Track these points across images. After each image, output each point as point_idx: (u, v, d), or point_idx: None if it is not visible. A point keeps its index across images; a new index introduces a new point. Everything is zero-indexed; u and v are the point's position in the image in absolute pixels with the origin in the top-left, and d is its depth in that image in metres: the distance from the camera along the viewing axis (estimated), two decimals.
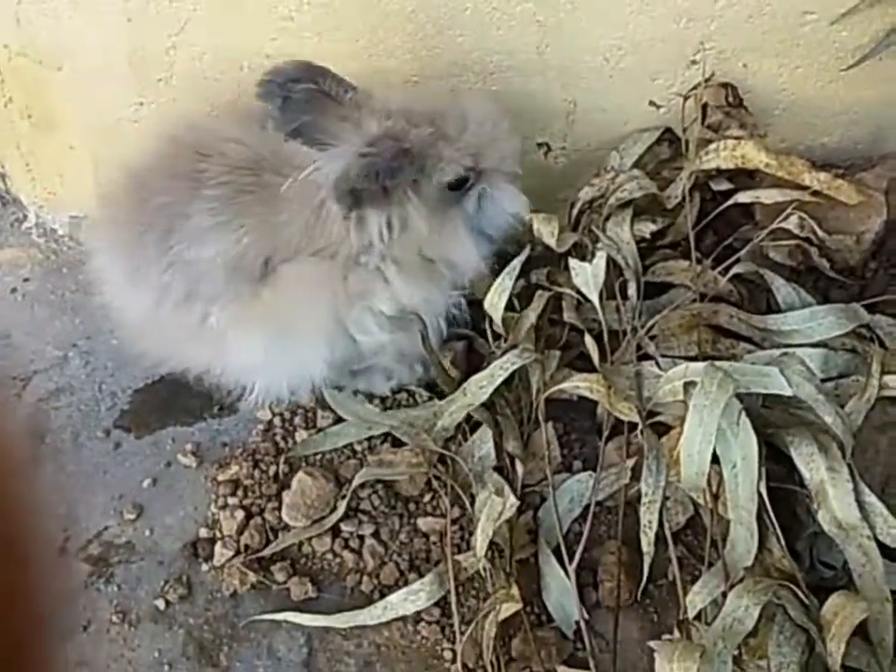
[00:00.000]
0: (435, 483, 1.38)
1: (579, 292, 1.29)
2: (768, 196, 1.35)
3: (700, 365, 1.14)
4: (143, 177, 1.29)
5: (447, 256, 1.26)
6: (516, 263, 1.27)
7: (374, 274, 1.25)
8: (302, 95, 1.21)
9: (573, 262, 1.27)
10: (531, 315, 1.31)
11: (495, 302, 1.28)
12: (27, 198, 1.66)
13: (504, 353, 1.31)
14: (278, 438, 1.44)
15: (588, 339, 1.23)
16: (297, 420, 1.46)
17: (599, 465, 1.30)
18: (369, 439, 1.43)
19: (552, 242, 1.26)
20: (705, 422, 1.04)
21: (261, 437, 1.44)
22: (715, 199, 1.45)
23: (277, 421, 1.46)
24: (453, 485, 1.31)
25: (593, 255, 1.29)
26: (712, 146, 1.37)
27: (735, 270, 1.31)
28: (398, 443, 1.41)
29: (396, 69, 1.37)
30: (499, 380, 1.29)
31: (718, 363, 1.13)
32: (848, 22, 1.32)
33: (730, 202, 1.37)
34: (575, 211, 1.38)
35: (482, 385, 1.30)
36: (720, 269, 1.36)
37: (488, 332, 1.37)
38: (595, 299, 1.27)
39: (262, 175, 1.24)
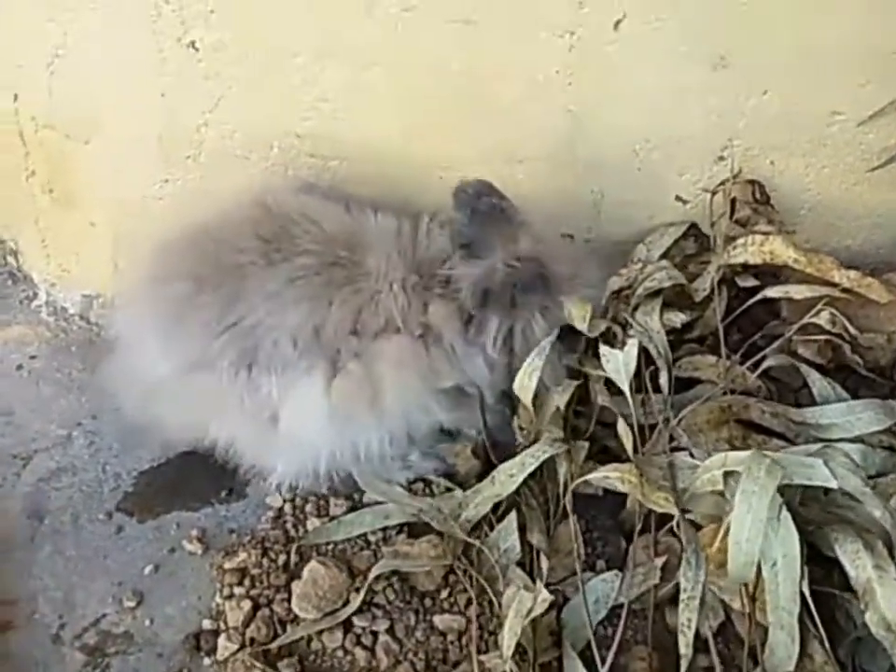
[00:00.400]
0: (454, 577, 1.32)
1: (608, 380, 1.27)
2: (798, 291, 1.34)
3: (742, 453, 1.10)
4: (218, 233, 1.28)
5: None
6: (546, 344, 1.24)
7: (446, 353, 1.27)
8: (487, 210, 1.29)
9: (604, 349, 1.25)
10: (559, 402, 1.27)
11: (525, 384, 1.24)
12: (39, 275, 1.63)
13: (532, 441, 1.28)
14: (289, 525, 1.37)
15: (621, 425, 1.19)
16: (308, 507, 1.39)
17: (629, 562, 1.25)
18: (384, 529, 1.37)
19: (583, 326, 1.23)
20: (754, 508, 1.00)
21: (271, 524, 1.38)
22: (739, 296, 1.44)
23: (288, 508, 1.39)
24: (477, 578, 1.24)
25: (623, 342, 1.27)
26: (740, 240, 1.36)
27: (766, 363, 1.29)
28: (414, 534, 1.36)
29: (426, 155, 1.38)
30: (530, 469, 1.25)
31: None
32: (875, 124, 1.34)
33: (758, 296, 1.36)
34: (602, 300, 1.36)
35: (511, 474, 1.26)
36: (748, 364, 1.34)
37: (514, 422, 1.35)
38: (625, 387, 1.24)
39: (354, 252, 1.26)
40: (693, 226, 1.45)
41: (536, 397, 1.27)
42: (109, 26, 1.26)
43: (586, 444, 1.33)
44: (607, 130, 1.34)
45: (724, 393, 1.32)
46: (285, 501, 1.42)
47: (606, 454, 1.34)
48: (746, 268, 1.42)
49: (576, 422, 1.36)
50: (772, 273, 1.43)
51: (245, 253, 1.25)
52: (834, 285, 1.35)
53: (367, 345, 1.24)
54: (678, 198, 1.43)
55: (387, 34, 1.25)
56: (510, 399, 1.37)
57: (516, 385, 1.26)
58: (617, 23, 1.23)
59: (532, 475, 1.31)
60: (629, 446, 1.20)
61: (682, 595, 1.11)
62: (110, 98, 1.34)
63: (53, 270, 1.60)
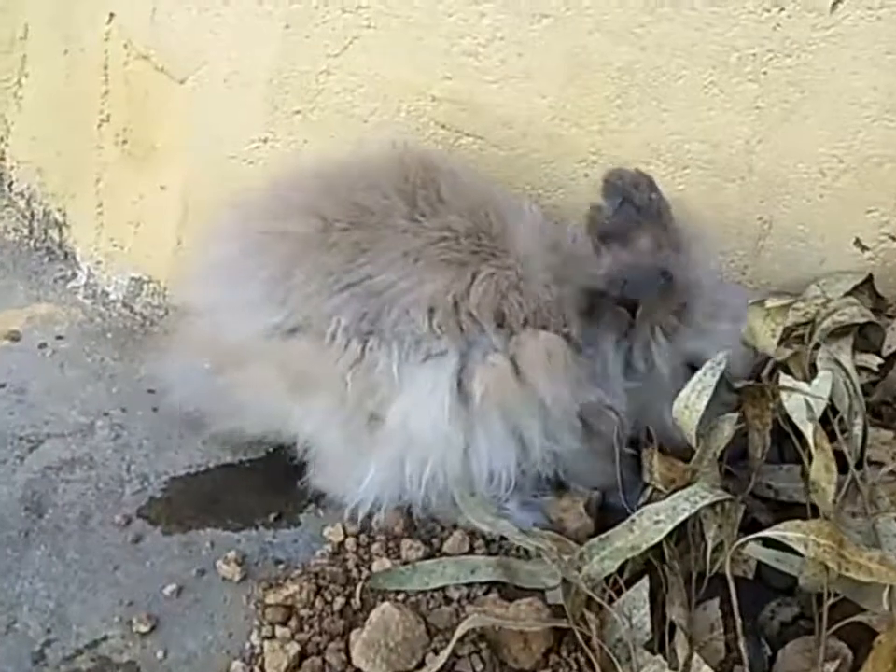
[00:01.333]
0: (556, 658, 1.03)
1: (787, 418, 1.01)
2: None
3: None
4: (356, 172, 1.08)
5: None
6: (722, 357, 0.99)
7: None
8: (641, 204, 1.11)
9: (787, 379, 1.00)
10: (721, 441, 1.01)
11: (691, 403, 0.98)
12: (84, 251, 1.40)
13: (686, 484, 1.01)
14: (350, 564, 1.08)
15: (818, 463, 0.92)
16: (376, 547, 1.11)
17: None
18: (469, 585, 1.08)
19: (770, 344, 0.99)
20: None
21: (328, 559, 1.09)
22: None
23: (351, 544, 1.11)
24: (593, 656, 0.95)
25: (809, 378, 1.02)
26: None
27: None
28: (506, 597, 1.07)
29: (575, 139, 1.17)
30: (682, 516, 0.97)
31: None
32: None
33: None
34: (777, 339, 1.12)
35: (657, 520, 0.98)
36: None
37: (647, 459, 1.08)
38: (809, 431, 0.98)
39: (503, 230, 1.06)
40: (870, 279, 1.24)
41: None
42: None
43: (742, 505, 1.07)
44: (795, 139, 1.14)
45: None
46: (347, 535, 1.13)
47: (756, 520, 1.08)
48: None
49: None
50: None
51: (387, 198, 1.04)
52: None
53: (512, 336, 1.02)
54: (857, 242, 1.22)
55: None
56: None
57: (677, 407, 1.00)
58: (834, 4, 1.06)
59: (671, 533, 1.04)
60: (828, 500, 0.93)
61: None
62: (225, 25, 1.15)
63: (103, 245, 1.38)
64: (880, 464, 1.10)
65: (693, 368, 1.09)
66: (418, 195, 1.03)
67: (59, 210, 1.42)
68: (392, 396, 1.01)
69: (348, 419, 1.03)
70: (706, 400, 1.00)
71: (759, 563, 1.06)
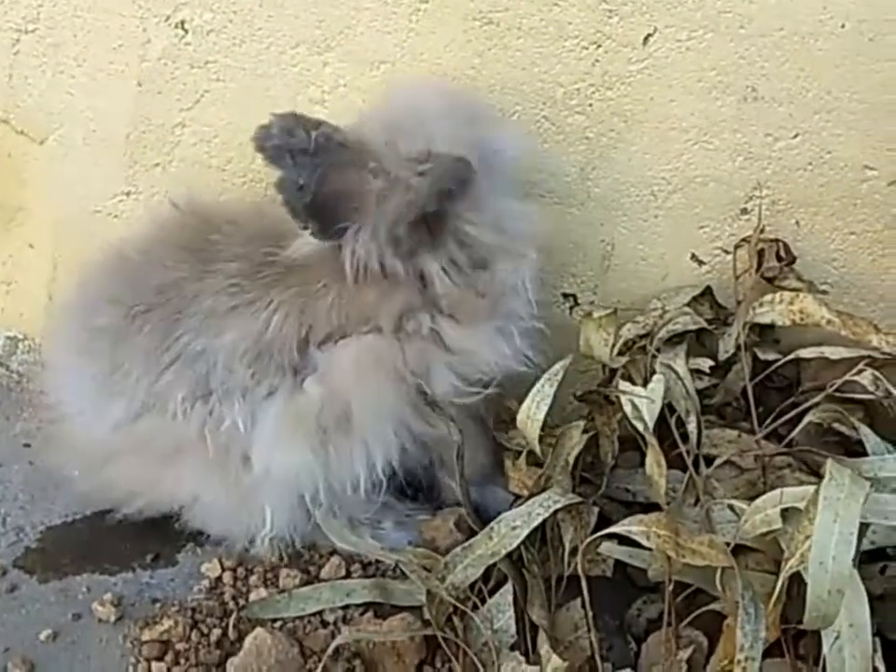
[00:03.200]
0: (430, 669, 1.07)
1: (628, 421, 1.08)
2: (835, 352, 1.20)
3: (803, 487, 0.91)
4: (135, 252, 1.11)
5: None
6: (559, 368, 1.05)
7: (430, 341, 1.06)
8: (309, 145, 1.01)
9: (624, 385, 1.07)
10: (572, 448, 1.08)
11: (532, 413, 1.04)
12: None
13: (541, 490, 1.06)
14: (227, 597, 1.12)
15: (652, 467, 0.98)
16: (254, 579, 1.14)
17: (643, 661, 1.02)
18: (345, 608, 1.12)
19: (603, 352, 1.06)
20: (841, 517, 0.79)
21: (205, 594, 1.12)
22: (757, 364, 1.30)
23: (228, 578, 1.14)
24: (464, 655, 0.99)
25: (646, 382, 1.09)
26: (767, 297, 1.23)
27: (808, 419, 1.12)
28: (381, 616, 1.11)
29: None
30: (537, 521, 1.03)
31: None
32: None
33: (790, 356, 1.21)
34: (615, 350, 1.20)
35: (514, 526, 1.03)
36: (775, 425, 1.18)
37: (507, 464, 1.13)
38: (648, 430, 1.05)
39: (286, 243, 1.07)
40: (709, 290, 1.32)
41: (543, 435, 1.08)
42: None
43: (595, 508, 1.13)
44: (626, 164, 1.22)
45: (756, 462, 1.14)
46: (224, 570, 1.16)
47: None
48: (763, 334, 1.29)
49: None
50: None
51: (176, 268, 1.08)
52: (872, 348, 1.22)
53: (321, 353, 1.06)
54: (693, 257, 1.30)
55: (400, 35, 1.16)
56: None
57: (520, 418, 1.06)
58: (646, 38, 1.15)
59: (530, 537, 1.10)
60: (661, 492, 1.00)
61: (739, 657, 0.87)
62: (79, 85, 1.20)
63: None
64: (713, 460, 1.18)
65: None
66: (200, 254, 1.08)
67: None
68: (250, 440, 1.05)
69: (222, 471, 1.07)
70: (545, 409, 1.06)
71: (624, 564, 1.13)
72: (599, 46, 1.16)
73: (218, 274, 1.07)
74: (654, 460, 0.99)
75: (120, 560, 1.15)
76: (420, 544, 1.19)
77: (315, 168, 1.00)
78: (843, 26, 1.13)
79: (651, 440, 0.99)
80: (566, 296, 1.36)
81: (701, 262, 1.33)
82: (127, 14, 1.15)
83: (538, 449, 1.06)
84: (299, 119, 1.02)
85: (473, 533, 1.15)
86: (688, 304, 1.30)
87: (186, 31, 1.16)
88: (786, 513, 0.92)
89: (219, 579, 1.13)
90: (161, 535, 1.16)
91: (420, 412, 1.08)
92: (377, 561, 1.17)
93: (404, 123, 1.05)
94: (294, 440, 1.05)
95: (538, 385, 1.06)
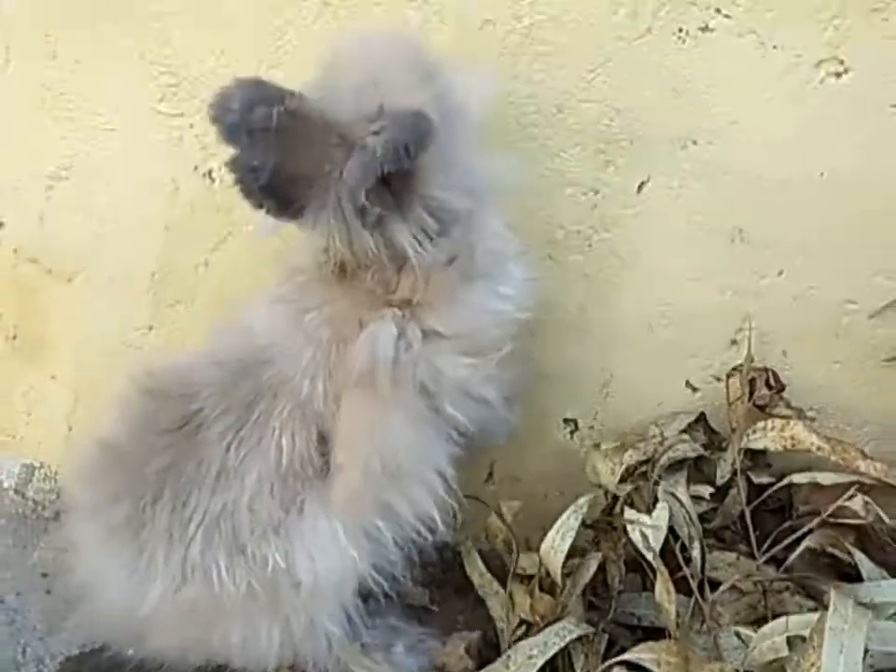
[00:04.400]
0: None
1: (635, 549, 1.13)
2: (826, 478, 1.26)
3: (809, 615, 0.96)
4: (123, 444, 1.11)
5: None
6: (584, 502, 1.11)
7: (425, 349, 1.05)
8: (270, 123, 0.94)
9: (630, 513, 1.12)
10: (586, 575, 1.12)
11: (556, 545, 1.09)
12: None
13: (556, 619, 1.10)
14: None
15: (662, 595, 1.03)
16: None
17: None
18: None
19: (610, 481, 1.12)
20: (846, 647, 0.84)
21: None
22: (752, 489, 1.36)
23: None
24: None
25: (649, 509, 1.14)
26: (760, 424, 1.29)
27: (805, 544, 1.17)
28: None
29: None
30: (552, 651, 1.06)
31: None
32: (887, 317, 1.34)
33: (783, 482, 1.27)
34: (617, 477, 1.25)
35: (530, 655, 1.07)
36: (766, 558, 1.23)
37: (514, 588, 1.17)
38: (650, 559, 1.10)
39: (261, 372, 1.08)
40: (703, 416, 1.39)
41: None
42: (124, 148, 1.23)
43: (605, 635, 1.17)
44: (622, 300, 1.31)
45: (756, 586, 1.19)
46: None
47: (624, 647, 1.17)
48: (755, 459, 1.35)
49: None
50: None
51: (160, 452, 1.07)
52: (861, 474, 1.28)
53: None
54: (687, 384, 1.38)
55: None
56: None
57: (544, 547, 1.11)
58: (640, 186, 1.25)
59: (543, 666, 1.13)
60: (671, 619, 1.04)
61: None
62: (109, 229, 1.28)
63: None
64: (718, 584, 1.23)
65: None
66: (186, 427, 1.07)
67: None
68: (294, 567, 1.06)
69: (274, 610, 1.08)
70: (569, 542, 1.11)
71: None
72: (597, 192, 1.25)
73: (213, 437, 1.07)
74: (664, 587, 1.03)
75: None
76: (430, 670, 1.23)
77: (274, 148, 0.94)
78: (821, 174, 1.24)
79: (661, 567, 1.04)
80: (566, 421, 1.42)
81: (695, 389, 1.40)
82: (159, 164, 1.23)
83: (559, 579, 1.10)
84: (262, 88, 0.96)
85: (482, 658, 1.20)
86: (684, 430, 1.37)
87: (213, 180, 1.24)
88: (792, 641, 0.97)
89: None
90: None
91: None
92: None
93: (357, 81, 0.99)
94: (335, 541, 1.07)
95: (563, 518, 1.11)
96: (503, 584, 1.28)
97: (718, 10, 1.17)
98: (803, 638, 0.95)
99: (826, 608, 0.99)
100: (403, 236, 1.01)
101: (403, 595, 1.23)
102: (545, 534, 1.22)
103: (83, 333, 1.34)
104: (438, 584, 1.33)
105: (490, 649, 1.25)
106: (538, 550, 1.26)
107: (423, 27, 1.18)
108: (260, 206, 0.97)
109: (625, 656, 1.05)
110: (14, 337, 1.37)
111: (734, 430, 1.34)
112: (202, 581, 1.07)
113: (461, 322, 1.07)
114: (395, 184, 0.98)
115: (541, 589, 1.19)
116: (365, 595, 1.16)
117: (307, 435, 1.08)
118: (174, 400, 1.09)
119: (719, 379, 1.38)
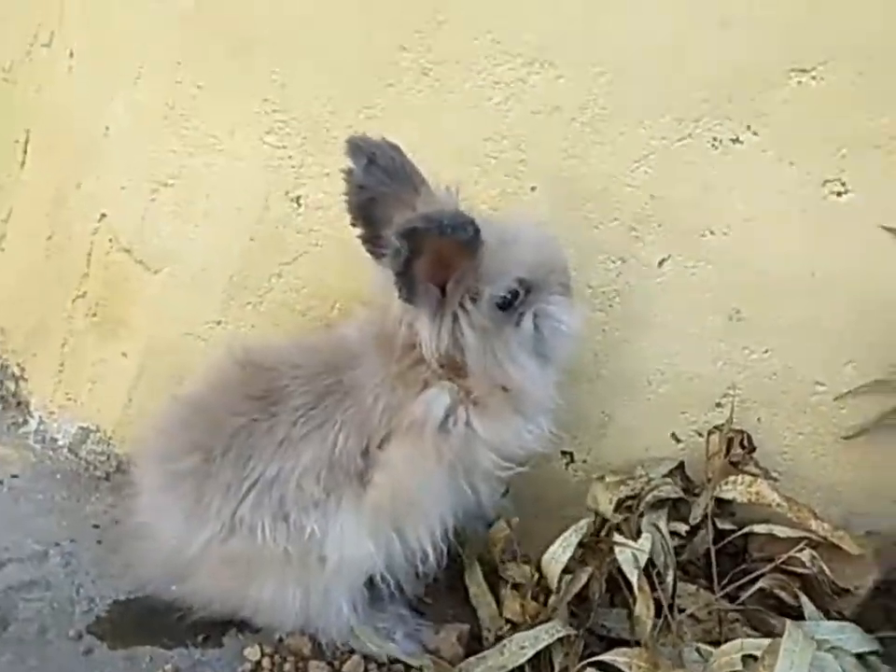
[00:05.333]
0: None
1: (619, 570, 1.32)
2: (781, 531, 1.46)
3: (761, 640, 1.16)
4: (206, 402, 1.31)
5: (517, 383, 1.26)
6: (583, 524, 1.31)
7: (468, 432, 1.26)
8: (386, 163, 1.21)
9: (619, 538, 1.32)
10: (577, 586, 1.31)
11: (557, 556, 1.29)
12: (39, 402, 1.62)
13: (546, 619, 1.29)
14: None
15: (642, 608, 1.23)
16: (287, 666, 1.34)
17: None
18: None
19: (607, 509, 1.31)
20: (795, 665, 1.04)
21: None
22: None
23: (267, 662, 1.33)
24: None
25: (636, 538, 1.34)
26: (731, 477, 1.50)
27: (760, 584, 1.37)
28: None
29: None
30: (542, 644, 1.26)
31: None
32: (849, 402, 1.56)
33: (745, 530, 1.48)
34: (613, 506, 1.44)
35: (522, 646, 1.26)
36: (723, 593, 1.43)
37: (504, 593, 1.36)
38: (634, 577, 1.30)
39: (343, 373, 1.29)
40: (682, 464, 1.59)
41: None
42: (228, 167, 1.41)
43: (582, 640, 1.36)
44: (631, 355, 1.51)
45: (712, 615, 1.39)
46: (263, 655, 1.36)
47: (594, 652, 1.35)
48: (722, 508, 1.56)
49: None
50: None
51: (243, 413, 1.28)
52: (811, 531, 1.49)
53: (381, 454, 1.26)
54: (673, 435, 1.58)
55: None
56: None
57: (546, 558, 1.30)
58: (661, 262, 1.45)
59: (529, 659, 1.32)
60: (647, 629, 1.24)
61: None
62: (199, 234, 1.45)
63: (59, 398, 1.60)
64: (683, 610, 1.43)
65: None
66: (268, 398, 1.27)
67: (17, 365, 1.64)
68: (324, 543, 1.26)
69: (302, 575, 1.27)
70: (569, 554, 1.31)
71: None
72: (625, 262, 1.46)
73: (287, 410, 1.27)
74: (644, 603, 1.23)
75: (176, 637, 1.33)
76: (425, 653, 1.41)
77: (380, 183, 1.20)
78: (813, 274, 1.45)
79: (645, 586, 1.24)
80: (564, 453, 1.62)
81: (678, 440, 1.60)
82: (255, 185, 1.41)
83: (554, 586, 1.30)
84: (399, 153, 1.22)
85: (469, 648, 1.39)
86: (666, 474, 1.58)
87: (300, 204, 1.43)
88: (746, 659, 1.17)
89: (259, 663, 1.32)
90: (208, 619, 1.34)
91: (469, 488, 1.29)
92: (390, 662, 1.38)
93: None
94: (360, 535, 1.26)
95: (565, 534, 1.32)
96: (492, 589, 1.49)
97: (748, 127, 1.39)
98: (755, 658, 1.16)
99: (773, 637, 1.20)
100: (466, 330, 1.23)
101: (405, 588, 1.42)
102: (545, 548, 1.42)
103: (158, 320, 1.51)
104: (434, 579, 1.51)
105: (474, 641, 1.45)
106: (527, 561, 1.47)
107: (500, 106, 1.38)
108: (354, 224, 1.22)
109: (602, 657, 1.25)
110: (94, 314, 1.53)
111: (709, 480, 1.54)
112: (247, 535, 1.26)
113: (497, 436, 1.29)
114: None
115: (533, 596, 1.39)
116: (374, 587, 1.35)
117: (358, 440, 1.27)
118: (264, 372, 1.29)
119: (700, 434, 1.58)
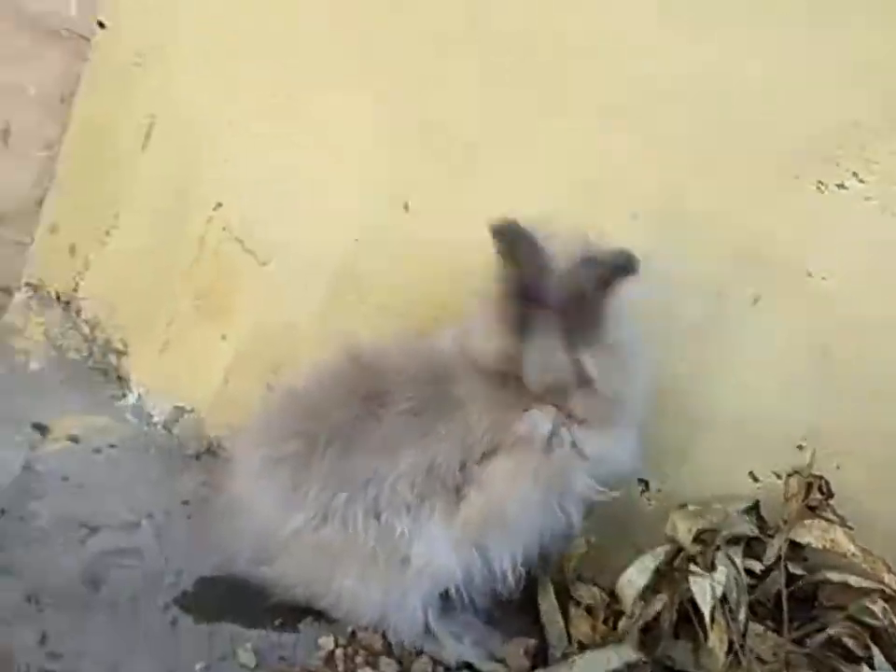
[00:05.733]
0: None
1: (690, 601, 1.34)
2: (855, 581, 1.47)
3: None
4: (313, 392, 1.36)
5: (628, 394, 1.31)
6: (661, 551, 1.33)
7: (572, 452, 1.29)
8: (534, 247, 1.25)
9: (695, 569, 1.33)
10: (649, 612, 1.33)
11: (633, 580, 1.31)
12: (138, 377, 1.68)
13: (618, 641, 1.32)
14: (340, 669, 1.35)
15: (714, 636, 1.25)
16: (359, 659, 1.38)
17: None
18: None
19: (686, 539, 1.33)
20: None
21: (323, 663, 1.35)
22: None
23: (339, 653, 1.37)
24: None
25: (711, 571, 1.35)
26: (807, 521, 1.51)
27: (829, 631, 1.38)
28: None
29: None
30: (612, 666, 1.28)
31: None
32: None
33: (818, 576, 1.48)
34: (691, 536, 1.46)
35: (592, 664, 1.28)
36: (791, 637, 1.43)
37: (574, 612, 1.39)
38: (707, 609, 1.31)
39: (449, 384, 1.32)
40: (757, 504, 1.60)
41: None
42: (344, 168, 1.46)
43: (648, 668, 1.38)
44: (719, 388, 1.52)
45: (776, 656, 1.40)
46: (337, 646, 1.40)
47: None
48: (795, 552, 1.56)
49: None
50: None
51: (349, 408, 1.32)
52: (884, 584, 1.49)
53: (479, 470, 1.29)
54: (751, 474, 1.59)
55: None
56: None
57: (621, 582, 1.33)
58: (757, 299, 1.46)
59: None
60: (719, 664, 1.25)
61: None
62: (309, 229, 1.51)
63: (158, 376, 1.66)
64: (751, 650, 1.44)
65: None
66: (375, 399, 1.30)
67: (121, 340, 1.70)
68: (411, 545, 1.29)
69: (385, 572, 1.30)
70: (645, 579, 1.33)
71: None
72: (719, 297, 1.47)
73: (392, 414, 1.31)
74: (718, 637, 1.25)
75: (255, 619, 1.37)
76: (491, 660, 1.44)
77: (533, 255, 1.23)
78: None
79: (720, 619, 1.25)
80: (640, 480, 1.64)
81: (756, 479, 1.61)
82: (366, 187, 1.47)
83: (629, 609, 1.32)
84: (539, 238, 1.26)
85: (536, 661, 1.42)
86: (743, 511, 1.59)
87: (407, 208, 1.47)
88: None
89: (332, 653, 1.36)
90: (287, 605, 1.38)
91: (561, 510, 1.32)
92: (457, 668, 1.41)
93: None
94: (446, 546, 1.29)
95: (642, 559, 1.34)
96: (562, 608, 1.50)
97: (855, 174, 1.39)
98: None
99: None
100: (588, 359, 1.26)
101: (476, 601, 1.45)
102: (613, 573, 1.43)
103: (261, 309, 1.57)
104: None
105: (541, 658, 1.47)
106: (594, 583, 1.50)
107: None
108: (504, 269, 1.26)
109: None
110: (200, 298, 1.59)
111: (785, 522, 1.55)
112: (339, 527, 1.30)
113: (604, 451, 1.32)
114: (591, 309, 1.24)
115: (604, 619, 1.41)
116: (447, 596, 1.37)
117: (458, 454, 1.30)
118: (372, 372, 1.33)
119: (779, 476, 1.59)
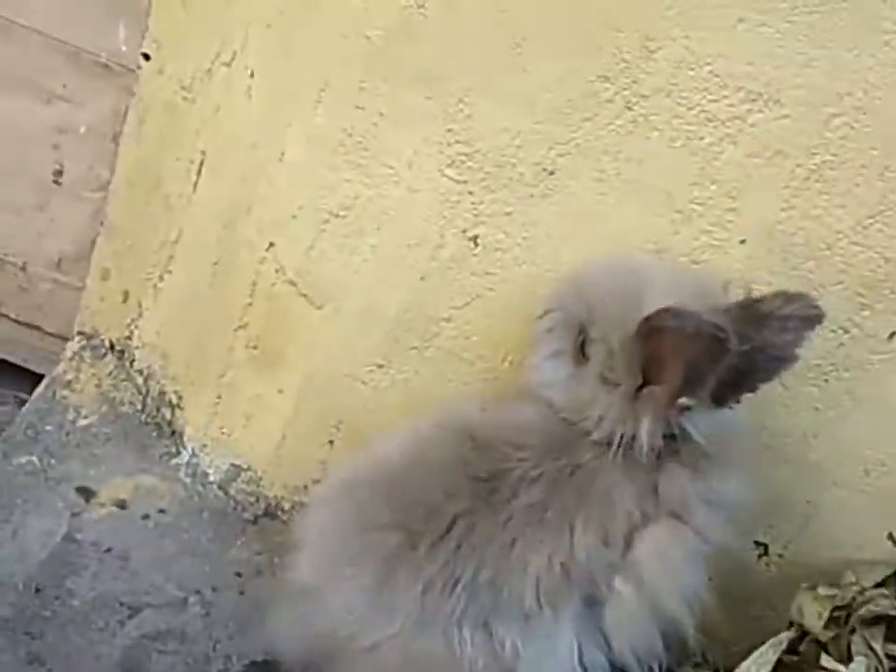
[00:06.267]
0: None
1: None
2: None
3: None
4: (423, 473, 1.13)
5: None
6: (783, 637, 1.12)
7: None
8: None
9: (827, 660, 1.12)
10: None
11: None
12: (193, 433, 1.55)
13: None
14: None
15: None
16: None
17: None
18: None
19: (815, 624, 1.12)
20: None
21: None
22: None
23: None
24: None
25: (846, 659, 1.14)
26: None
27: None
28: None
29: None
30: None
31: None
32: None
33: None
34: (823, 622, 1.24)
35: None
36: None
37: None
38: None
39: (573, 453, 1.11)
40: None
41: None
42: (404, 200, 1.31)
43: None
44: (847, 438, 1.30)
45: None
46: None
47: None
48: None
49: None
50: None
51: (460, 498, 1.09)
52: None
53: (623, 556, 1.08)
54: (890, 537, 1.36)
55: None
56: None
57: None
58: (892, 335, 1.24)
59: None
60: None
61: None
62: (368, 269, 1.35)
63: (213, 430, 1.53)
64: None
65: None
66: (487, 484, 1.09)
67: (175, 392, 1.58)
68: (521, 658, 1.07)
69: None
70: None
71: None
72: (847, 332, 1.25)
73: (513, 503, 1.09)
74: None
75: None
76: None
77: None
78: None
79: None
80: (758, 543, 1.42)
81: None
82: (431, 220, 1.30)
83: None
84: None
85: None
86: (880, 583, 1.36)
87: (476, 244, 1.30)
88: None
89: None
90: None
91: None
92: None
93: None
94: (571, 657, 1.08)
95: (762, 649, 1.13)
96: None
97: None
98: None
99: None
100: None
101: None
102: (726, 650, 1.25)
103: (319, 358, 1.42)
104: None
105: None
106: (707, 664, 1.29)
107: (712, 147, 1.22)
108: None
109: None
110: (255, 347, 1.46)
111: None
112: (440, 638, 1.07)
113: (731, 494, 1.12)
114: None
115: None
116: None
117: (600, 545, 1.08)
118: (487, 450, 1.12)
119: None
